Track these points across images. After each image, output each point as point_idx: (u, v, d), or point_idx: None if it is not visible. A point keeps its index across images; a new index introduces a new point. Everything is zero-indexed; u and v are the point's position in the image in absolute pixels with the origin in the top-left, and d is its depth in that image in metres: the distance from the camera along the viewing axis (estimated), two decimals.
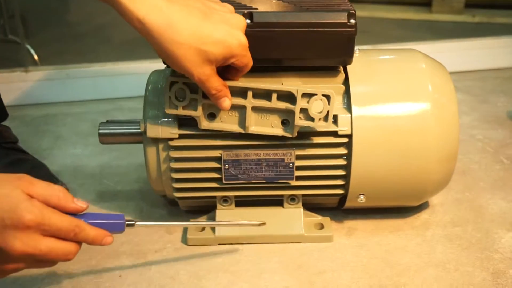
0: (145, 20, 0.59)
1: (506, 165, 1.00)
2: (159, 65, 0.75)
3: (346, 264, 0.76)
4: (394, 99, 0.75)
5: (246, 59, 0.66)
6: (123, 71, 1.34)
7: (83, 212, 0.60)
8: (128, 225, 0.64)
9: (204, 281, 0.73)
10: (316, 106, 0.71)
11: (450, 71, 1.51)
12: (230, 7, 0.67)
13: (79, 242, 0.59)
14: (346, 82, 0.76)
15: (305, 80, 0.75)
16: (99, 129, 0.81)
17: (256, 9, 0.70)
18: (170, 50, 0.61)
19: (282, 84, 0.74)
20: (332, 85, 0.75)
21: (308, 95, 0.71)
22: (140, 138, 0.79)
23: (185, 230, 0.82)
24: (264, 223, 0.75)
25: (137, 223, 0.65)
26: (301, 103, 0.71)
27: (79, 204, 0.59)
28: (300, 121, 0.71)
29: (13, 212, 0.52)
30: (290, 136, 0.73)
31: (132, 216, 0.87)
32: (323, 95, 0.71)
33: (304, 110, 0.71)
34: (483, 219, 0.85)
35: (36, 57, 1.49)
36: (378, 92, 0.76)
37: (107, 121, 0.83)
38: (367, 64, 0.78)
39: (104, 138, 0.81)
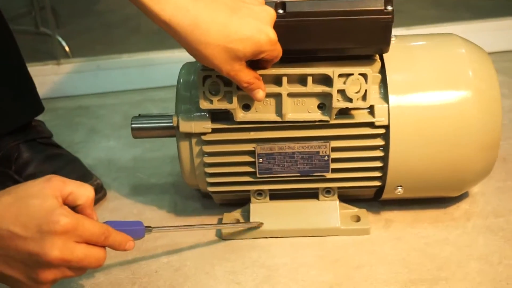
0: (171, 22, 0.58)
1: None
2: (189, 56, 0.74)
3: (384, 257, 0.74)
4: (432, 87, 0.73)
5: (275, 53, 0.65)
6: (154, 61, 1.33)
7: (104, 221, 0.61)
8: (146, 230, 0.64)
9: (240, 276, 0.73)
10: (353, 86, 0.69)
11: (488, 51, 1.47)
12: (259, 1, 0.65)
13: (105, 248, 0.59)
14: (382, 70, 0.74)
15: (339, 69, 0.73)
16: (131, 124, 0.80)
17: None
18: (198, 50, 0.60)
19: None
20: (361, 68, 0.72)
21: (345, 76, 0.69)
22: (173, 132, 0.78)
23: (220, 223, 0.82)
24: (262, 224, 0.77)
25: (154, 228, 0.66)
26: (338, 84, 0.69)
27: None
28: (338, 103, 0.70)
29: (49, 218, 0.52)
30: (328, 119, 0.71)
31: (167, 209, 0.87)
32: (359, 74, 0.69)
33: (341, 92, 0.69)
34: None
35: (67, 48, 1.50)
36: (416, 80, 0.73)
37: (139, 115, 0.82)
38: (404, 51, 0.75)
39: (137, 133, 0.81)
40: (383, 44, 0.70)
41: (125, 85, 1.32)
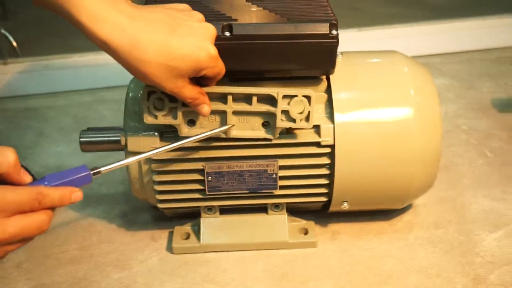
0: (109, 41, 0.57)
1: (489, 159, 1.00)
2: None
3: (330, 271, 0.77)
4: (376, 105, 0.75)
5: (217, 69, 0.65)
6: (105, 60, 1.31)
7: (43, 176, 0.57)
8: (94, 173, 0.60)
9: None
10: (297, 107, 0.71)
11: (438, 52, 1.51)
12: (199, 15, 0.64)
13: (50, 209, 0.55)
14: (328, 90, 0.75)
15: (285, 89, 0.74)
16: (80, 138, 0.80)
17: (236, 20, 0.69)
18: (138, 69, 0.60)
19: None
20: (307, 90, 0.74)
21: (289, 97, 0.70)
22: (120, 146, 0.78)
23: (170, 237, 0.82)
24: (232, 125, 0.72)
25: (102, 169, 0.61)
26: (282, 105, 0.70)
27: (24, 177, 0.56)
28: (281, 123, 0.71)
29: None
30: (272, 137, 0.72)
31: (117, 222, 0.87)
32: (303, 96, 0.70)
33: (285, 112, 0.71)
34: (465, 220, 0.86)
35: (15, 43, 1.45)
36: (360, 99, 0.75)
37: (87, 128, 0.82)
38: (349, 70, 0.76)
39: (85, 147, 0.80)
40: (328, 67, 0.71)
41: (75, 85, 1.29)
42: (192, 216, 0.83)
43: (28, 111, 1.22)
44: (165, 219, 0.86)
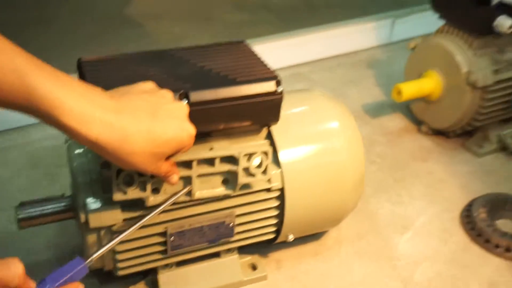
0: (99, 140, 0.57)
1: (379, 164, 1.16)
2: None
3: None
4: (313, 145, 0.83)
5: (192, 144, 0.68)
6: None
7: (43, 278, 0.57)
8: (88, 262, 0.62)
9: None
10: (256, 163, 0.76)
11: (300, 62, 1.62)
12: (169, 95, 0.66)
13: None
14: (269, 136, 0.81)
15: (232, 141, 0.78)
16: (17, 215, 0.76)
17: (190, 86, 0.71)
18: (127, 161, 0.60)
19: (212, 148, 0.77)
20: (258, 142, 0.80)
21: (248, 154, 0.75)
22: (69, 214, 0.77)
23: None
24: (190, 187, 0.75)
25: (93, 257, 0.64)
26: (243, 163, 0.75)
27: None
28: (243, 179, 0.75)
29: None
30: (232, 193, 0.77)
31: None
32: (262, 152, 0.76)
33: (245, 169, 0.76)
34: (379, 226, 0.99)
35: None
36: (298, 141, 0.82)
37: (21, 203, 0.78)
38: (283, 116, 0.83)
39: (26, 223, 0.76)
40: (274, 119, 0.77)
41: None
42: (145, 273, 0.84)
43: None
44: (113, 279, 0.85)
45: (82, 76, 0.74)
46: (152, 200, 0.73)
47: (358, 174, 0.87)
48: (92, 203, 0.73)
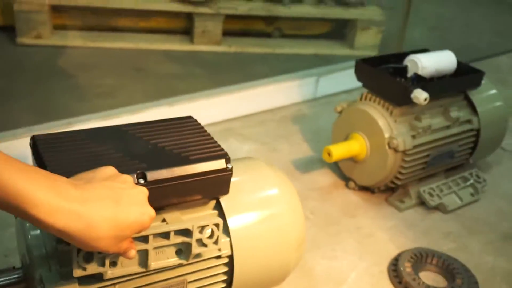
0: (66, 229, 0.60)
1: (312, 220, 1.24)
2: None
3: None
4: (259, 211, 0.89)
5: (151, 224, 0.72)
6: None
7: None
8: None
9: None
10: (208, 234, 0.81)
11: (230, 117, 1.70)
12: (129, 179, 0.70)
13: None
14: (217, 205, 0.87)
15: (183, 211, 0.83)
16: None
17: (146, 166, 0.76)
18: (92, 245, 0.63)
19: (165, 219, 0.81)
20: (209, 213, 0.85)
21: (201, 227, 0.80)
22: (22, 286, 0.78)
23: None
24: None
25: None
26: (196, 235, 0.80)
27: None
28: (196, 249, 0.80)
29: None
30: (186, 262, 0.81)
31: None
32: (213, 224, 0.81)
33: (198, 240, 0.80)
34: (316, 283, 1.07)
35: None
36: (245, 209, 0.88)
37: None
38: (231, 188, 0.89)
39: None
40: (224, 192, 0.83)
41: None
42: None
43: None
44: None
45: (39, 156, 0.76)
46: (110, 273, 0.75)
47: (299, 235, 0.93)
48: (49, 277, 0.75)
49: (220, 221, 0.81)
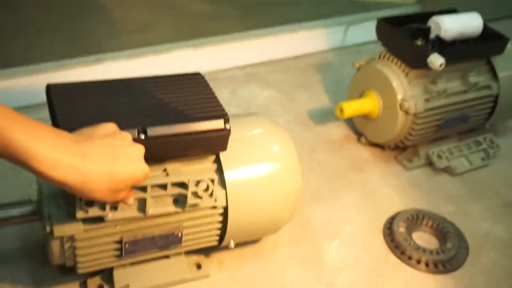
0: (65, 181, 0.67)
1: (318, 172, 1.29)
2: None
3: None
4: (255, 166, 0.94)
5: (145, 179, 0.78)
6: None
7: None
8: None
9: None
10: (203, 188, 0.87)
11: (257, 62, 1.72)
12: (128, 137, 0.75)
13: None
14: (217, 159, 0.93)
15: (184, 163, 0.90)
16: None
17: (148, 121, 0.81)
18: (89, 196, 0.70)
19: (166, 169, 0.88)
20: (206, 166, 0.91)
21: (197, 181, 0.87)
22: (35, 217, 0.87)
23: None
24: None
25: None
26: (192, 188, 0.86)
27: None
28: (191, 200, 0.87)
29: None
30: (182, 211, 0.88)
31: (24, 281, 0.95)
32: (209, 179, 0.87)
33: (194, 192, 0.87)
34: (312, 233, 1.13)
35: None
36: (242, 163, 0.93)
37: None
38: (231, 140, 0.94)
39: None
40: (222, 149, 0.89)
41: None
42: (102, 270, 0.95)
43: None
44: (71, 271, 0.97)
45: (51, 105, 0.83)
46: (110, 216, 0.84)
47: (296, 189, 0.99)
48: (56, 215, 0.83)
49: (215, 176, 0.88)
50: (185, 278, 0.98)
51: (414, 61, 1.20)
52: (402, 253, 1.09)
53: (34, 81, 1.33)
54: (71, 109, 0.82)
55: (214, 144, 0.87)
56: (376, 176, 1.30)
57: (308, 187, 1.24)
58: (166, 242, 0.91)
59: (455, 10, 1.36)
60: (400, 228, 1.13)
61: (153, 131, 0.81)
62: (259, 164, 0.95)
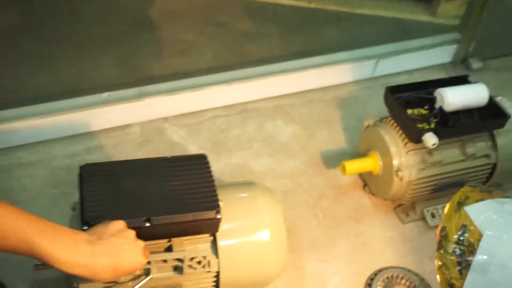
0: (79, 275, 0.88)
1: (320, 220, 1.45)
2: None
3: None
4: (245, 236, 1.13)
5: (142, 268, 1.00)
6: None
7: None
8: None
9: None
10: (197, 261, 1.07)
11: (284, 93, 1.86)
12: (131, 234, 0.95)
13: None
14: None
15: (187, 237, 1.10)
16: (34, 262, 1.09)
17: (153, 210, 1.01)
18: (98, 281, 0.92)
19: (170, 241, 1.07)
20: (204, 238, 1.10)
21: (192, 258, 1.07)
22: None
23: None
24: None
25: None
26: (187, 262, 1.06)
27: None
28: (188, 270, 1.07)
29: None
30: (180, 276, 1.09)
31: None
32: (202, 256, 1.07)
33: (189, 265, 1.07)
34: (301, 283, 1.31)
35: None
36: (234, 235, 1.12)
37: None
38: (226, 211, 1.12)
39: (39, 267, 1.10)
40: (215, 231, 1.08)
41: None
42: None
43: None
44: None
45: (81, 186, 1.04)
46: (122, 279, 1.05)
47: (281, 254, 1.17)
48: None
49: (206, 253, 1.07)
50: None
51: (410, 136, 1.32)
52: None
53: (77, 116, 1.56)
54: (95, 192, 1.02)
55: (207, 228, 1.06)
56: (373, 227, 1.45)
57: (308, 234, 1.41)
58: None
59: (466, 77, 1.44)
60: (378, 287, 1.29)
61: (156, 220, 1.01)
62: (249, 235, 1.13)
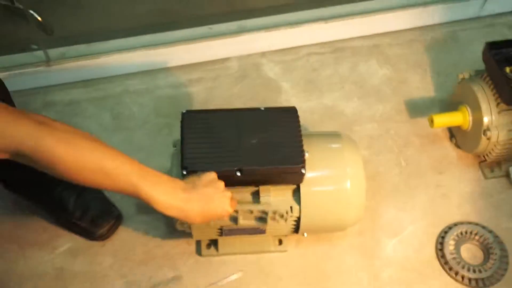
0: (174, 216, 1.03)
1: (402, 169, 1.50)
2: None
3: (294, 270, 1.33)
4: (326, 187, 1.22)
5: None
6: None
7: None
8: None
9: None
10: (280, 214, 1.19)
11: (382, 32, 1.83)
12: (221, 186, 1.08)
13: None
14: None
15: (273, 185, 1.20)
16: None
17: (243, 160, 1.11)
18: (189, 223, 1.08)
19: (258, 190, 1.19)
20: (289, 188, 1.21)
21: (274, 211, 1.19)
22: None
23: (198, 245, 1.35)
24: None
25: None
26: (270, 215, 1.19)
27: None
28: (271, 222, 1.20)
29: None
30: (263, 226, 1.22)
31: (163, 230, 1.38)
32: (285, 210, 1.18)
33: (272, 217, 1.20)
34: (377, 228, 1.40)
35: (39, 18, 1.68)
36: (316, 184, 1.21)
37: None
38: (310, 161, 1.20)
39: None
40: (299, 183, 1.18)
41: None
42: None
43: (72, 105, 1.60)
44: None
45: (182, 131, 1.15)
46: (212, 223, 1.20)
47: (359, 203, 1.25)
48: None
49: (288, 208, 1.18)
50: (268, 249, 1.35)
51: (503, 96, 1.31)
52: (446, 263, 1.33)
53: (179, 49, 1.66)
54: (194, 140, 1.14)
55: (292, 180, 1.17)
56: (454, 179, 1.48)
57: (389, 182, 1.47)
58: (253, 232, 1.27)
59: None
60: (451, 241, 1.35)
61: (247, 171, 1.12)
62: (331, 185, 1.22)
